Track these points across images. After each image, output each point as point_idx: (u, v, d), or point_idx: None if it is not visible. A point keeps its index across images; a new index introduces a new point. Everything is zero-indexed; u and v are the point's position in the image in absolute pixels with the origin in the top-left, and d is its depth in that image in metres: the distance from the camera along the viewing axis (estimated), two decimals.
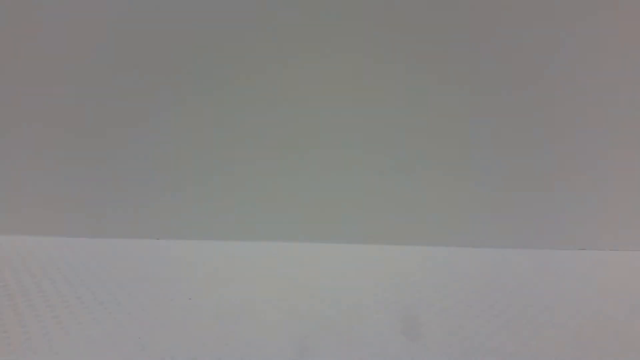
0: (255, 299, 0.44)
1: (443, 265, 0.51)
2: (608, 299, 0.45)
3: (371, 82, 0.51)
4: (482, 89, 0.51)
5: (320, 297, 0.44)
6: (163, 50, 0.51)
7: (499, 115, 0.52)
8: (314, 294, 0.44)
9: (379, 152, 0.53)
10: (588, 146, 0.52)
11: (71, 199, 0.55)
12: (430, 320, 0.40)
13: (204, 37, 0.51)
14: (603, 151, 0.52)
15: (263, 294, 0.45)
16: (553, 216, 0.55)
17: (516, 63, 0.51)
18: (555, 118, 0.52)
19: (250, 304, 0.43)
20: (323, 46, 0.51)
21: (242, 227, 0.56)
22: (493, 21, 0.50)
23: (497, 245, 0.55)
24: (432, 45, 0.50)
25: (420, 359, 0.36)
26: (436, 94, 0.52)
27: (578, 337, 0.39)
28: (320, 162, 0.54)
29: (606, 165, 0.53)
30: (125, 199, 0.55)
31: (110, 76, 0.52)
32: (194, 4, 0.50)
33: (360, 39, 0.50)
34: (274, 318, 0.40)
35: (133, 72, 0.52)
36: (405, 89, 0.52)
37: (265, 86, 0.52)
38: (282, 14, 0.50)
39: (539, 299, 0.44)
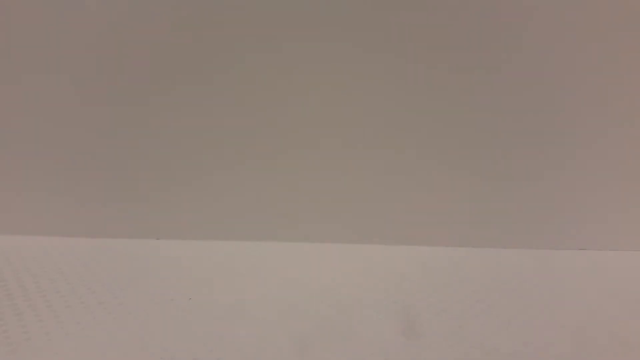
0: (255, 299, 0.44)
1: (443, 265, 0.51)
2: (608, 299, 0.45)
3: (371, 81, 0.51)
4: (483, 89, 0.51)
5: (320, 297, 0.44)
6: (162, 51, 0.51)
7: (499, 114, 0.52)
8: (313, 294, 0.44)
9: (379, 152, 0.53)
10: (588, 146, 0.52)
11: (71, 199, 0.55)
12: (430, 320, 0.40)
13: (203, 37, 0.51)
14: (603, 151, 0.52)
15: (263, 294, 0.45)
16: (553, 216, 0.55)
17: (516, 63, 0.51)
18: (555, 118, 0.52)
19: (250, 304, 0.43)
20: (321, 45, 0.51)
21: (242, 227, 0.56)
22: (491, 20, 0.50)
23: (497, 245, 0.55)
24: (433, 45, 0.50)
25: (420, 359, 0.36)
26: (436, 94, 0.52)
27: (578, 337, 0.39)
28: (320, 162, 0.54)
29: (606, 165, 0.53)
30: (125, 199, 0.55)
31: (110, 76, 0.52)
32: (188, 3, 0.50)
33: (359, 37, 0.50)
34: (274, 318, 0.40)
35: (132, 71, 0.52)
36: (405, 88, 0.52)
37: (265, 86, 0.52)
38: (278, 13, 0.50)
39: (539, 299, 0.44)
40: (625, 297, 0.45)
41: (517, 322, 0.41)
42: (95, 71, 0.52)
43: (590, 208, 0.54)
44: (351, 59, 0.51)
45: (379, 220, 0.55)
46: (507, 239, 0.55)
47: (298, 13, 0.50)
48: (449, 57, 0.51)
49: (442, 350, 0.36)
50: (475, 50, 0.50)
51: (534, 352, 0.36)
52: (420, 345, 0.37)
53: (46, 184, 0.55)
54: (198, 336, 0.38)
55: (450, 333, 0.39)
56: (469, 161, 0.53)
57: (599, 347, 0.37)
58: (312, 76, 0.52)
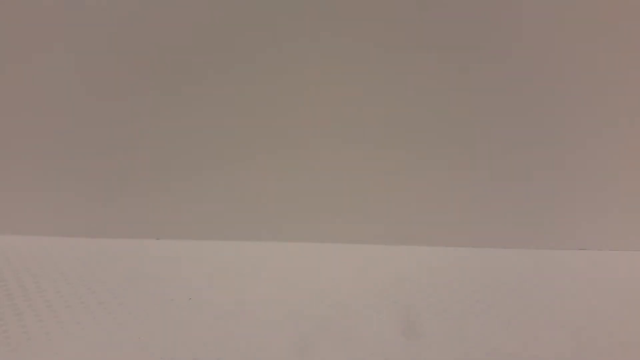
0: (255, 299, 0.44)
1: (443, 265, 0.51)
2: (608, 299, 0.45)
3: (371, 81, 0.51)
4: (482, 89, 0.51)
5: (320, 297, 0.44)
6: (162, 51, 0.51)
7: (498, 114, 0.52)
8: (313, 294, 0.44)
9: (379, 152, 0.53)
10: (588, 146, 0.52)
11: (71, 199, 0.55)
12: (430, 320, 0.40)
13: (202, 36, 0.51)
14: (603, 151, 0.52)
15: (263, 294, 0.45)
16: (553, 216, 0.55)
17: (515, 63, 0.51)
18: (555, 118, 0.52)
19: (250, 304, 0.43)
20: (323, 44, 0.51)
21: (242, 227, 0.56)
22: (490, 21, 0.50)
23: (497, 245, 0.55)
24: (433, 45, 0.50)
25: (420, 359, 0.36)
26: (436, 94, 0.52)
27: (578, 337, 0.39)
28: (320, 162, 0.54)
29: (606, 165, 0.53)
30: (125, 199, 0.55)
31: (109, 75, 0.52)
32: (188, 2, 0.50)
33: (361, 37, 0.50)
34: (274, 318, 0.40)
35: (131, 70, 0.52)
36: (405, 88, 0.52)
37: (266, 85, 0.52)
38: (277, 13, 0.50)
39: (539, 299, 0.44)
40: (625, 297, 0.45)
41: (517, 322, 0.41)
42: (95, 71, 0.52)
43: (589, 208, 0.54)
44: (351, 58, 0.51)
45: (379, 220, 0.55)
46: (507, 239, 0.55)
47: (297, 12, 0.50)
48: (449, 57, 0.51)
49: (442, 350, 0.36)
50: (475, 49, 0.50)
51: (534, 352, 0.36)
52: (420, 345, 0.37)
53: (46, 184, 0.55)
54: (198, 336, 0.38)
55: (450, 333, 0.39)
56: (469, 161, 0.53)
57: (599, 347, 0.37)
58: (312, 75, 0.51)
